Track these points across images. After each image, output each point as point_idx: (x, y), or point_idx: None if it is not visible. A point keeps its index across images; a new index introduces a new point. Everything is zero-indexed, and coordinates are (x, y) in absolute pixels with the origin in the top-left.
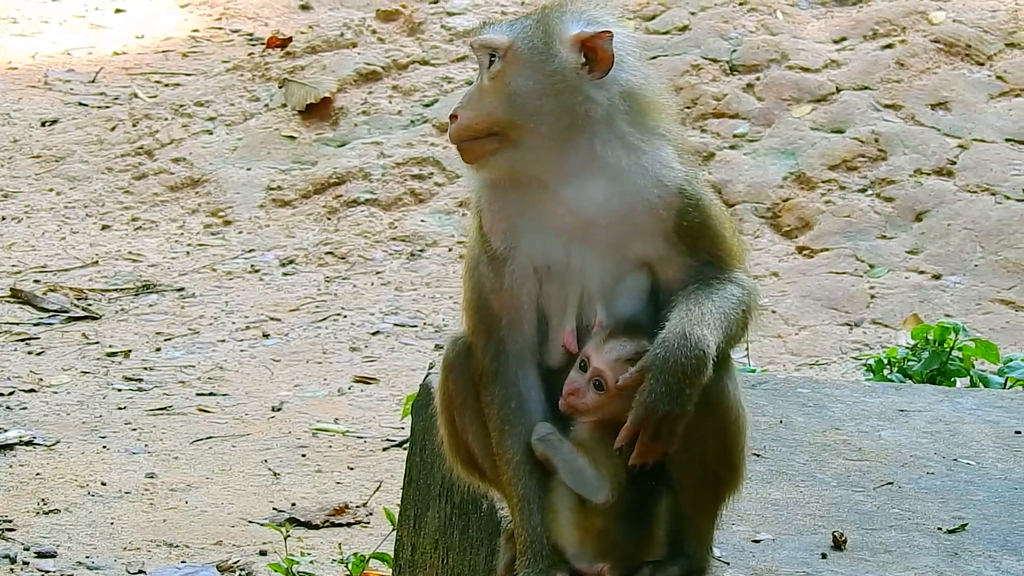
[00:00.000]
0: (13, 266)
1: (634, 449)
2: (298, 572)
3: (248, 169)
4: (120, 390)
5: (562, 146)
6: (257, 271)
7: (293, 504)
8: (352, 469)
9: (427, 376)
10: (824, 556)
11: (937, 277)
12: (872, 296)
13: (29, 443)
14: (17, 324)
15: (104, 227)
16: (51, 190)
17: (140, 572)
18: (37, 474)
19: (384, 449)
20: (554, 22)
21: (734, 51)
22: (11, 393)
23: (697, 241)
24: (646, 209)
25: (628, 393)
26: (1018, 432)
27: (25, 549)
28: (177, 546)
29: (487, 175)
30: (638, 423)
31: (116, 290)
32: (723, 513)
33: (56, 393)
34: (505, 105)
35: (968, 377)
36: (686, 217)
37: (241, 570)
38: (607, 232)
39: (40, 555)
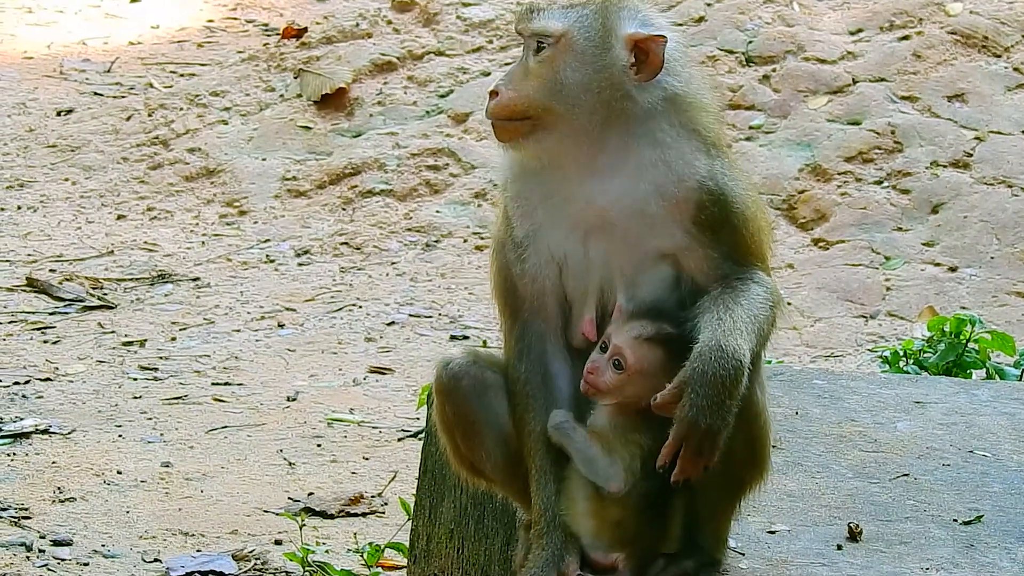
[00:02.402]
0: (29, 255)
1: (676, 466)
2: (313, 561)
3: (263, 159)
4: (136, 379)
5: (594, 139)
6: (272, 261)
7: (309, 494)
8: (367, 459)
9: None
10: (840, 547)
11: (953, 269)
12: (888, 288)
13: (45, 432)
14: (33, 313)
15: (120, 217)
16: (67, 180)
17: (155, 560)
18: (53, 463)
19: (399, 439)
20: (612, 18)
21: (750, 42)
22: (27, 382)
23: (718, 234)
24: (663, 203)
25: (645, 375)
26: None
27: (41, 537)
28: (192, 535)
29: (516, 156)
30: (680, 439)
31: (132, 279)
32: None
33: (72, 382)
34: (548, 91)
35: (984, 369)
36: (704, 211)
37: (256, 559)
38: (624, 226)
39: (56, 543)
